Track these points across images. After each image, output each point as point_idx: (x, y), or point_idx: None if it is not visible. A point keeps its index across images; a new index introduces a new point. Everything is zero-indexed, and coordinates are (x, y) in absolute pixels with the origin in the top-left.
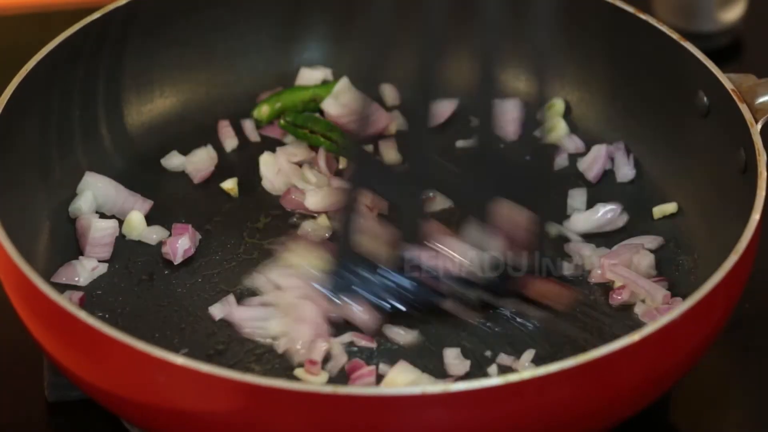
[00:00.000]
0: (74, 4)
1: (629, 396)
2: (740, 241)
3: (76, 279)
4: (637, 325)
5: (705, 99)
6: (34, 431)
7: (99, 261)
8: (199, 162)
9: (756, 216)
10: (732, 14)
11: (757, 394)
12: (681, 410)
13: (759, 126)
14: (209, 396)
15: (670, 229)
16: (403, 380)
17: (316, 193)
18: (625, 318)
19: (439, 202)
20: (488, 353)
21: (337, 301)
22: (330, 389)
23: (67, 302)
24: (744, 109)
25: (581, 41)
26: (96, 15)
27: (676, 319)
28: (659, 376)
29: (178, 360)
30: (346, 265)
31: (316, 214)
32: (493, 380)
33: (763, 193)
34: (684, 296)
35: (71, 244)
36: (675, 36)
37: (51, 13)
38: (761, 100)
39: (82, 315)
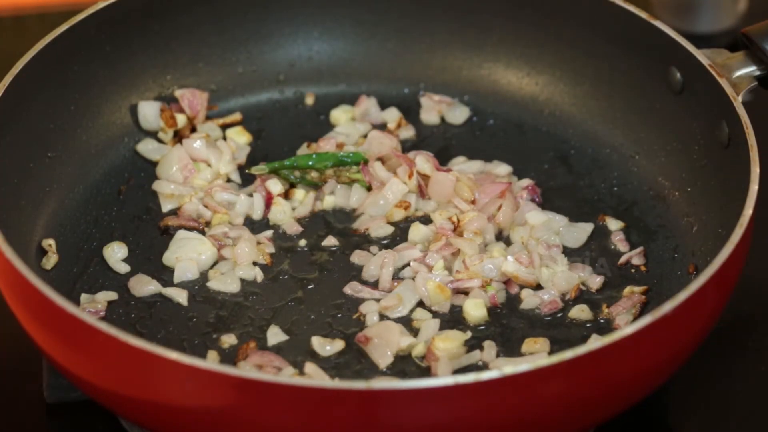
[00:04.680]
0: (71, 4)
1: (626, 387)
2: (735, 233)
3: None
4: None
5: (678, 76)
6: None
7: None
8: None
9: (749, 211)
10: (733, 14)
11: (756, 394)
12: (681, 410)
13: (740, 98)
14: (207, 391)
15: (660, 219)
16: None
17: None
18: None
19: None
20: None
21: None
22: (331, 384)
23: (62, 299)
24: (724, 83)
25: (551, 25)
26: (99, 6)
27: (671, 312)
28: (654, 368)
29: (173, 355)
30: None
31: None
32: (492, 373)
33: (758, 169)
34: (679, 289)
35: (70, 243)
36: (644, 15)
37: (48, 14)
38: (738, 74)
39: (78, 312)
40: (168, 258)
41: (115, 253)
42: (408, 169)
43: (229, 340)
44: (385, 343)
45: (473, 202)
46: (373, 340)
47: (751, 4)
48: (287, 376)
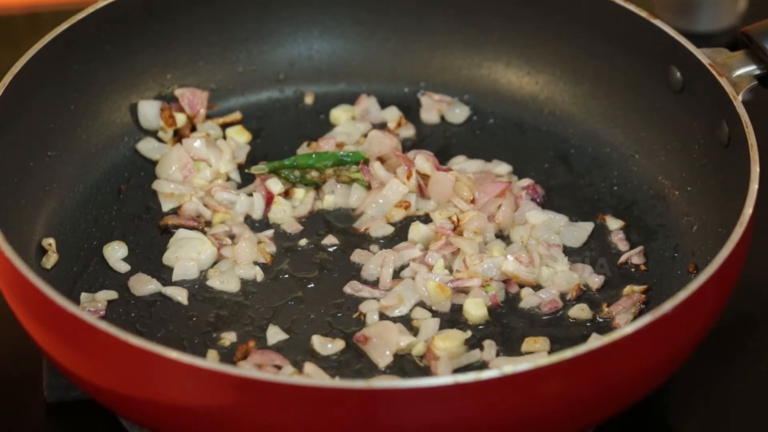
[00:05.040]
0: (71, 3)
1: (626, 387)
2: (735, 232)
3: None
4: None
5: (678, 75)
6: None
7: None
8: None
9: (749, 210)
10: (733, 13)
11: (756, 393)
12: (681, 410)
13: (740, 97)
14: (206, 391)
15: (660, 218)
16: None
17: None
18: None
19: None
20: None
21: None
22: (331, 384)
23: (62, 299)
24: (724, 82)
25: (551, 23)
26: (99, 5)
27: (671, 311)
28: (654, 368)
29: (173, 355)
30: None
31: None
32: (492, 372)
33: (758, 169)
34: (679, 288)
35: (70, 242)
36: (644, 14)
37: (48, 13)
38: (738, 73)
39: (78, 311)
40: (168, 257)
41: (115, 252)
42: (407, 169)
43: (229, 337)
44: (384, 342)
45: (473, 201)
46: (371, 340)
47: (751, 3)
48: (287, 375)
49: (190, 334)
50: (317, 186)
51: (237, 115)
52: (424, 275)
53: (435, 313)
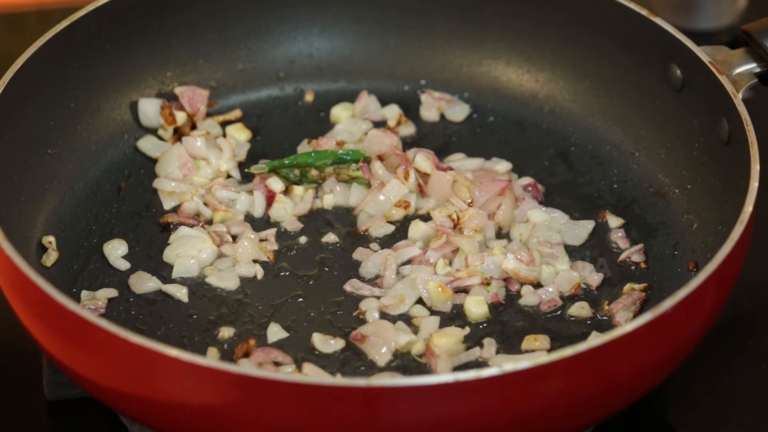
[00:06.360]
0: (71, 2)
1: (625, 385)
2: (735, 230)
3: None
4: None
5: (678, 73)
6: (33, 430)
7: None
8: None
9: (749, 208)
10: (733, 11)
11: (755, 391)
12: (680, 408)
13: (740, 95)
14: (207, 388)
15: (660, 216)
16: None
17: None
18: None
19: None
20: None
21: None
22: (331, 381)
23: (62, 296)
24: (724, 80)
25: (551, 21)
26: (99, 3)
27: (671, 309)
28: (654, 366)
29: (173, 352)
30: None
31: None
32: (492, 370)
33: (758, 167)
34: (679, 286)
35: (70, 240)
36: (644, 12)
37: (48, 11)
38: (738, 71)
39: (78, 309)
40: (168, 255)
41: (115, 250)
42: (404, 169)
43: (229, 334)
44: (381, 341)
45: (471, 203)
46: (369, 338)
47: (751, 0)
48: (287, 373)
49: (190, 332)
50: (318, 185)
51: (237, 113)
52: (424, 276)
53: (435, 312)
